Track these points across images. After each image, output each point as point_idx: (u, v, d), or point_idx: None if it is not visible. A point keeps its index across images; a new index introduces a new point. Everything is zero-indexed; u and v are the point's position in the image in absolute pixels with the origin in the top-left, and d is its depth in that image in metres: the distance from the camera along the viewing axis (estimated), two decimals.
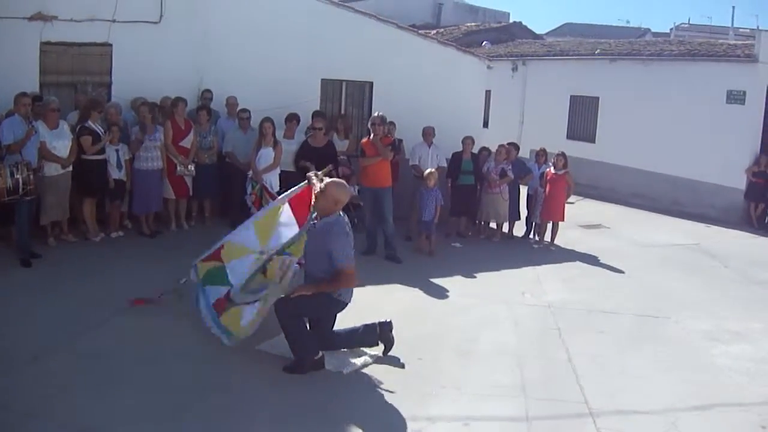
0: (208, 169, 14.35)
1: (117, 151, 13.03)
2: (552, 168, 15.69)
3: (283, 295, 8.18)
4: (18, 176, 11.01)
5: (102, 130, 12.78)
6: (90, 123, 12.64)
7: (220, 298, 8.82)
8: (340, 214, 8.23)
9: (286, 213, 9.13)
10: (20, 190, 11.06)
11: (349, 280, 8.16)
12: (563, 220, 15.81)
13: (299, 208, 9.06)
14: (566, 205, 16.06)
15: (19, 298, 9.92)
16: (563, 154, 15.66)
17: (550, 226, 15.82)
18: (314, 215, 8.43)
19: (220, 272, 9.01)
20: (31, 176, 11.23)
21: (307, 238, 8.38)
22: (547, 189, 15.61)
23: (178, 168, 13.77)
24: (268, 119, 13.54)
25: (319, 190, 8.25)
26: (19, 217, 11.42)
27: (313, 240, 8.22)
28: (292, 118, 14.38)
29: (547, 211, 15.70)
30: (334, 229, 8.05)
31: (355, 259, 8.27)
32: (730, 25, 41.00)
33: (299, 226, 8.87)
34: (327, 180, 8.46)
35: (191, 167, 13.94)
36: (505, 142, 16.17)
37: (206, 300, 8.95)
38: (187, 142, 13.92)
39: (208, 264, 9.15)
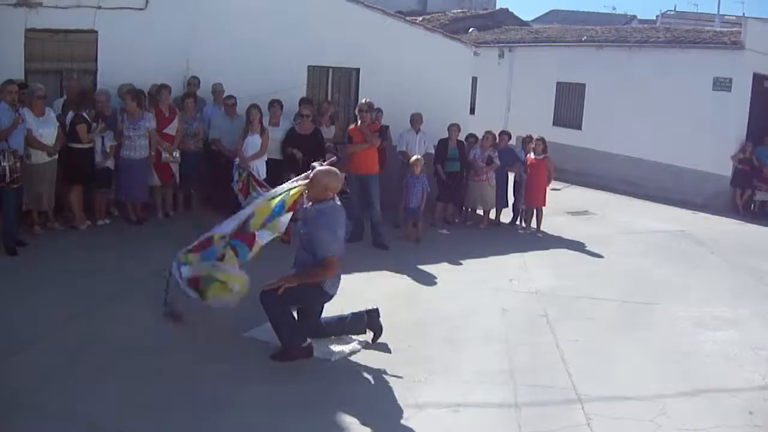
0: (193, 157, 14.31)
1: (102, 137, 12.98)
2: (532, 153, 15.71)
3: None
4: (5, 164, 10.98)
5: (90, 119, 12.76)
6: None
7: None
8: (335, 202, 8.20)
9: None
10: (7, 178, 11.03)
11: (331, 267, 8.03)
12: (545, 204, 15.84)
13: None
14: (550, 191, 16.10)
15: (4, 287, 9.85)
16: (542, 139, 15.72)
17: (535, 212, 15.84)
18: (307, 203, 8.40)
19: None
20: (18, 164, 11.19)
21: (300, 223, 8.36)
22: (528, 174, 15.63)
23: (164, 155, 13.74)
24: (255, 106, 13.53)
25: (309, 179, 8.22)
26: (6, 205, 11.35)
27: (304, 225, 8.20)
28: (274, 104, 14.32)
29: (528, 196, 15.76)
30: (321, 218, 8.00)
31: (342, 248, 8.25)
32: (716, 12, 40.98)
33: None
34: (317, 168, 8.42)
35: (176, 154, 13.90)
36: (491, 129, 16.18)
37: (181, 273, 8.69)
38: (171, 130, 13.87)
39: (193, 254, 9.03)
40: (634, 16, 49.63)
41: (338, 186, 8.30)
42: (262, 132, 13.49)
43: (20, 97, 11.75)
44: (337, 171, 8.49)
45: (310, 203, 8.28)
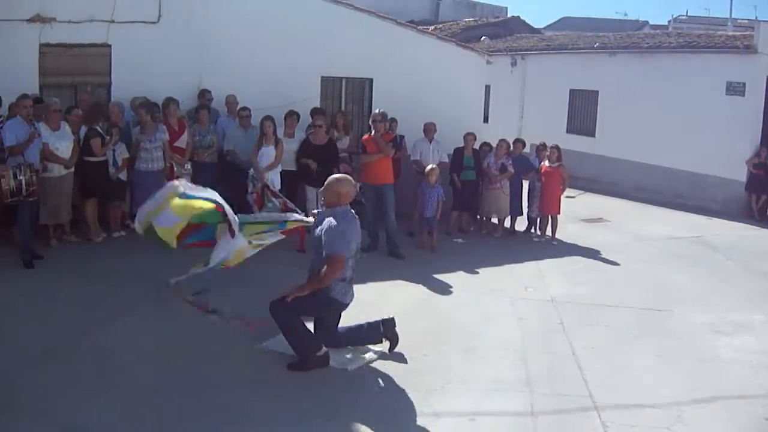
0: (208, 168, 14.33)
1: (114, 150, 13.06)
2: (546, 161, 15.70)
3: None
4: (21, 178, 11.08)
5: (104, 132, 12.85)
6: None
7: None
8: (348, 208, 8.24)
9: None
10: (23, 191, 11.11)
11: (336, 265, 7.96)
12: (559, 212, 15.82)
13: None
14: (565, 199, 16.09)
15: (21, 300, 9.95)
16: (557, 147, 15.68)
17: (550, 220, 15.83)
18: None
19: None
20: (34, 178, 11.29)
21: (313, 227, 8.37)
22: (542, 182, 15.62)
23: (176, 168, 13.79)
24: (268, 118, 13.54)
25: (323, 188, 8.27)
26: (22, 219, 11.45)
27: (316, 228, 8.22)
28: (292, 115, 14.37)
29: (543, 204, 15.73)
30: (331, 221, 7.99)
31: (351, 252, 8.24)
32: (728, 16, 40.91)
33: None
34: (331, 176, 8.48)
35: (188, 166, 13.95)
36: (505, 137, 16.16)
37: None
38: (182, 143, 13.93)
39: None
40: (646, 22, 49.46)
41: (351, 192, 8.32)
42: (277, 143, 13.52)
43: (35, 112, 11.84)
44: (350, 178, 8.53)
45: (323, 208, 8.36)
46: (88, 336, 8.80)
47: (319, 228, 8.13)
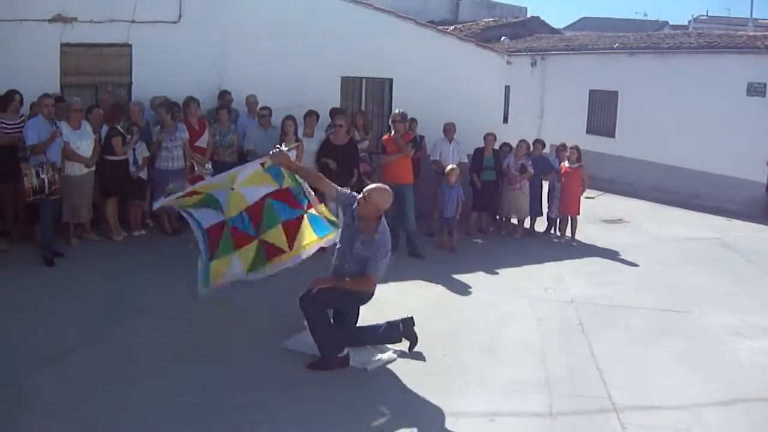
0: (228, 167, 14.32)
1: (134, 150, 13.14)
2: (566, 162, 15.69)
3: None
4: (43, 176, 11.18)
5: (124, 131, 12.93)
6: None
7: (216, 224, 8.95)
8: (385, 226, 8.31)
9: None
10: (45, 190, 11.20)
11: (371, 283, 8.25)
12: (579, 213, 15.79)
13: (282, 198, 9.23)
14: (584, 200, 16.06)
15: (42, 297, 10.04)
16: (576, 148, 15.64)
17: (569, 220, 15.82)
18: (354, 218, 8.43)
19: (209, 198, 8.98)
20: (57, 176, 11.39)
21: (349, 238, 8.39)
22: (562, 183, 15.61)
23: (196, 168, 13.85)
24: (290, 117, 13.59)
25: (362, 196, 8.25)
26: (43, 217, 11.55)
27: (360, 244, 8.24)
28: (311, 114, 14.41)
29: (563, 204, 15.70)
30: (382, 245, 8.16)
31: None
32: (749, 16, 40.69)
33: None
34: (370, 186, 8.49)
35: (209, 166, 13.99)
36: (525, 138, 16.14)
37: (198, 223, 8.94)
38: (202, 142, 13.98)
39: (189, 199, 9.04)
40: (666, 22, 49.32)
41: (386, 207, 8.38)
42: (297, 143, 13.56)
43: (56, 111, 11.93)
44: (387, 188, 8.51)
45: (361, 221, 8.34)
46: (109, 334, 8.85)
47: (364, 248, 8.22)
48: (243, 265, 9.00)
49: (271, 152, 9.03)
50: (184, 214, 9.10)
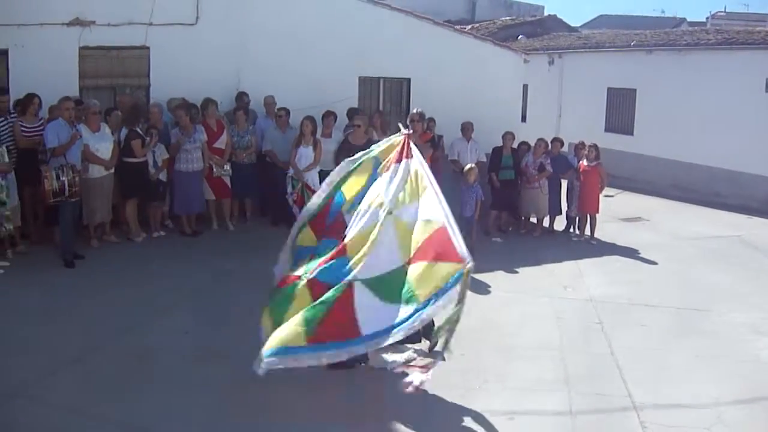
0: (247, 169, 14.45)
1: (153, 152, 13.20)
2: (585, 160, 15.65)
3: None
4: (64, 178, 11.25)
5: (143, 134, 13.00)
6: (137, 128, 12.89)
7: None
8: None
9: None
10: (66, 192, 11.27)
11: None
12: (598, 212, 15.70)
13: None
14: (603, 198, 16.01)
15: (63, 299, 10.12)
16: (595, 146, 15.56)
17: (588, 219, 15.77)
18: None
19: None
20: (77, 178, 11.46)
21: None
22: (581, 181, 15.58)
23: (215, 169, 13.90)
24: (308, 118, 13.63)
25: None
26: (63, 219, 11.62)
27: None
28: (329, 115, 14.47)
29: (582, 203, 15.63)
30: None
31: None
32: (767, 11, 40.48)
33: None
34: None
35: (227, 167, 14.06)
36: (543, 136, 16.11)
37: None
38: (221, 143, 14.05)
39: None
40: (684, 19, 49.01)
41: None
42: (315, 144, 13.60)
43: (76, 114, 12.00)
44: None
45: None
46: (129, 334, 8.93)
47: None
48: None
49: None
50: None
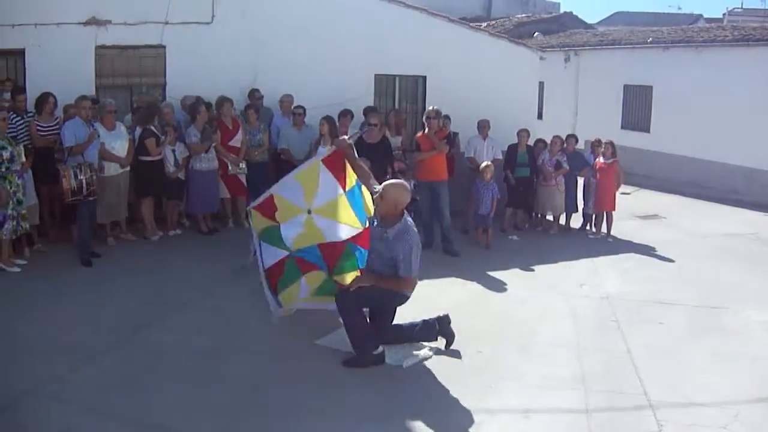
0: (260, 167, 14.45)
1: (173, 151, 13.23)
2: (601, 157, 15.61)
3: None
4: (81, 177, 11.31)
5: (159, 132, 13.03)
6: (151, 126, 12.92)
7: (277, 262, 9.08)
8: (408, 222, 8.27)
9: (324, 173, 9.24)
10: (84, 190, 11.32)
11: (409, 285, 8.30)
12: (614, 209, 15.66)
13: (335, 170, 9.22)
14: (620, 195, 15.98)
15: (79, 297, 10.14)
16: (611, 143, 15.53)
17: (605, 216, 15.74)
18: (375, 218, 8.49)
19: (276, 232, 9.17)
20: (94, 177, 11.52)
21: (372, 239, 8.44)
22: (597, 178, 15.55)
23: (230, 167, 13.93)
24: (325, 118, 13.66)
25: (378, 194, 8.27)
26: (80, 217, 11.68)
27: (380, 243, 8.28)
28: (346, 114, 14.50)
29: (598, 200, 15.59)
30: (402, 241, 8.11)
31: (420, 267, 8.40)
32: None
33: (342, 188, 9.18)
34: (386, 182, 8.49)
35: (243, 165, 14.09)
36: (559, 134, 16.08)
37: (262, 259, 9.13)
38: (236, 142, 14.08)
39: (263, 220, 9.26)
40: (700, 15, 48.92)
41: (407, 199, 8.35)
42: (332, 143, 13.61)
43: (92, 112, 12.06)
44: (406, 184, 8.57)
45: (376, 220, 8.39)
46: (146, 332, 8.94)
47: (385, 245, 8.24)
48: (309, 289, 9.07)
49: (333, 141, 9.23)
50: (255, 248, 9.30)
